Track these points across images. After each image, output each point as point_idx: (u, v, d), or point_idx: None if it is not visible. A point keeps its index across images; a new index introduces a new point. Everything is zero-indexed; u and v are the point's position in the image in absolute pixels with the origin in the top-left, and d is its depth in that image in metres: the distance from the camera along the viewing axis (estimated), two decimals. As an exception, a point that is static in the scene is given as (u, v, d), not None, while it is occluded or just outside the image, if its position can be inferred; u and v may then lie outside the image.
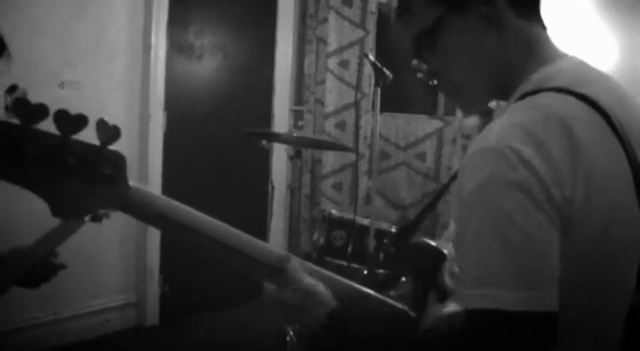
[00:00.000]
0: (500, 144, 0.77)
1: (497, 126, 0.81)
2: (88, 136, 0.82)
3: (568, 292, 0.79)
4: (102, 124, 0.79)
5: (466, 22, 0.92)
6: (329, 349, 0.92)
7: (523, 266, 0.75)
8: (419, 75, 1.02)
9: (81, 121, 0.76)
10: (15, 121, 0.75)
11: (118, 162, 0.81)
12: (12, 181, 0.76)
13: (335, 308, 0.93)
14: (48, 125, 0.77)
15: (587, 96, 0.83)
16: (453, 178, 0.84)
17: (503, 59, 0.93)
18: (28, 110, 0.74)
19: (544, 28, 0.96)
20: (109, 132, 0.79)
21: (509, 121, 0.81)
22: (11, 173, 0.75)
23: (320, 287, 0.95)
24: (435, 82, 0.99)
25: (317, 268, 1.02)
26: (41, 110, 0.74)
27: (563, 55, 0.94)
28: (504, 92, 0.94)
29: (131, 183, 0.85)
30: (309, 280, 0.95)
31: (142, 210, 0.88)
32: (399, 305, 1.08)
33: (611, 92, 0.89)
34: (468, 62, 0.95)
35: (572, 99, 0.83)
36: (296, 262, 0.97)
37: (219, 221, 0.95)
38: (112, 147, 0.81)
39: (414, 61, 1.01)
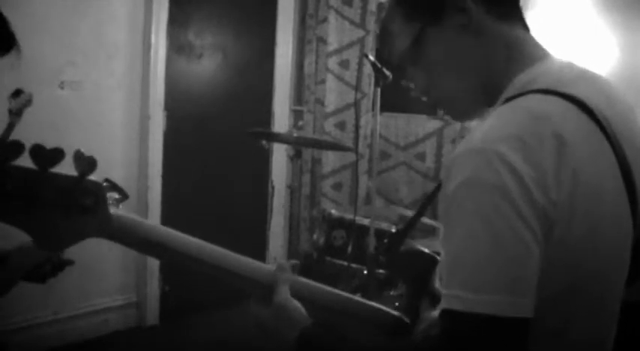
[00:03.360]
0: (484, 146, 0.77)
1: (482, 128, 0.80)
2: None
3: (557, 293, 0.79)
4: (79, 156, 0.80)
5: (444, 34, 0.92)
6: None
7: (494, 270, 0.74)
8: (412, 93, 1.03)
9: (57, 154, 0.78)
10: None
11: (98, 192, 0.83)
12: None
13: (306, 328, 0.93)
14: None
15: (573, 95, 0.83)
16: (440, 185, 0.84)
17: (486, 65, 0.93)
18: (3, 148, 0.74)
19: (526, 29, 0.96)
20: (86, 163, 0.80)
21: (494, 123, 0.80)
22: None
23: (296, 305, 0.96)
24: (426, 98, 1.00)
25: (307, 281, 1.03)
26: (16, 148, 0.75)
27: (548, 56, 0.93)
28: (492, 97, 0.94)
29: (112, 211, 0.86)
30: (286, 297, 0.97)
31: (125, 236, 0.89)
32: (394, 312, 1.08)
33: (598, 91, 0.88)
34: (452, 73, 0.95)
35: (557, 99, 0.82)
36: (285, 275, 0.98)
37: (203, 241, 0.97)
38: (93, 175, 0.82)
39: (403, 81, 1.02)
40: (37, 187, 0.78)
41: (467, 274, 0.75)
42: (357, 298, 1.08)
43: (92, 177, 0.82)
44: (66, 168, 0.82)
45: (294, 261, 1.03)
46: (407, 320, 1.07)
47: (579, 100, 0.83)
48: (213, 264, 0.96)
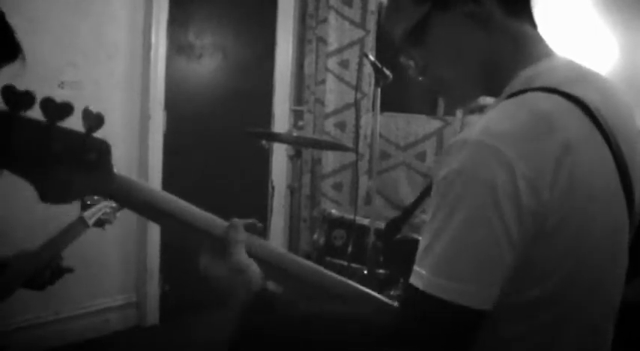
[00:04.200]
0: (481, 139, 0.76)
1: (483, 121, 0.80)
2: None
3: (550, 291, 0.79)
4: (87, 113, 0.82)
5: (452, 19, 0.92)
6: (256, 330, 0.90)
7: (461, 260, 0.75)
8: (410, 71, 1.03)
9: (66, 108, 0.78)
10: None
11: (103, 149, 0.84)
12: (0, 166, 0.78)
13: (261, 289, 0.91)
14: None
15: (574, 95, 0.83)
16: None
17: (490, 57, 0.93)
18: (15, 98, 0.75)
19: (534, 26, 0.96)
20: (93, 120, 0.82)
21: (495, 118, 0.80)
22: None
23: (253, 266, 0.93)
24: (423, 79, 1.00)
25: (264, 242, 0.99)
26: (28, 98, 0.75)
27: (553, 54, 0.94)
28: (492, 89, 0.94)
29: (116, 171, 0.87)
30: (241, 257, 0.94)
31: (127, 197, 0.90)
32: (383, 298, 1.06)
33: (599, 91, 0.89)
34: (454, 59, 0.94)
35: (559, 98, 0.82)
36: (240, 235, 0.95)
37: (200, 209, 0.96)
38: (107, 140, 0.84)
39: (402, 58, 1.02)
40: (44, 139, 0.79)
41: (435, 258, 0.76)
42: (321, 269, 1.03)
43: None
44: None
45: (253, 220, 1.00)
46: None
47: (581, 100, 0.83)
48: (190, 223, 0.95)
